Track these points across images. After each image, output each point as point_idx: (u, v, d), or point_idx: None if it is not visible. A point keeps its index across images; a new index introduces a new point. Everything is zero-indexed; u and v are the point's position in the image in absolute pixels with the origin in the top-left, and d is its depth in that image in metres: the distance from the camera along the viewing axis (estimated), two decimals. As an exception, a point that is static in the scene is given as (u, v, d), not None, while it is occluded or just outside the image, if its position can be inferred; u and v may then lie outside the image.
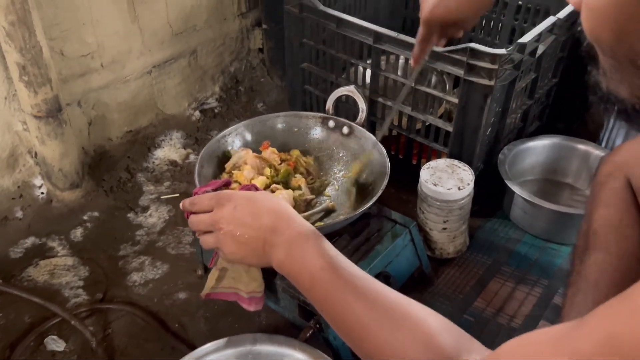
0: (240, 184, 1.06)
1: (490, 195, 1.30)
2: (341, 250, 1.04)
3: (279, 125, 1.19)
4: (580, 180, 1.36)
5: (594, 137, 1.48)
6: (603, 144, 1.40)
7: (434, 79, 1.39)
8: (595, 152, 1.32)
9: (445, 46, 1.08)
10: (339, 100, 1.19)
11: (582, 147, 1.34)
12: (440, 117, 1.26)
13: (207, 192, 0.83)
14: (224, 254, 0.75)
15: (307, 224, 0.72)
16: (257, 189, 0.85)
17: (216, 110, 1.68)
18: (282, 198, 1.01)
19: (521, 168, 1.35)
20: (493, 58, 1.08)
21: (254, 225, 0.71)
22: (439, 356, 0.56)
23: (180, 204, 0.81)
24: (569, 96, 1.48)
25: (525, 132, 1.39)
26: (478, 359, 0.55)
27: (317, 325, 0.97)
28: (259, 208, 0.72)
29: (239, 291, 0.93)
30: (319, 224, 1.03)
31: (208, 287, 0.92)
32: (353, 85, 1.14)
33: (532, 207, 1.22)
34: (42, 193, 1.34)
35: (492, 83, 1.10)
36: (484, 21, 1.53)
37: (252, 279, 0.91)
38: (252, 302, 0.93)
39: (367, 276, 0.67)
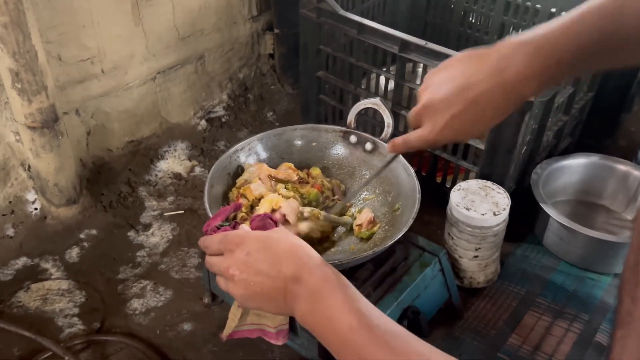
0: (248, 199, 0.96)
1: (521, 218, 1.20)
2: (364, 281, 0.95)
3: (296, 140, 1.09)
4: (616, 202, 1.27)
5: (626, 152, 1.39)
6: (642, 164, 1.30)
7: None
8: (635, 172, 1.22)
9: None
10: (359, 112, 1.09)
11: (621, 167, 1.24)
12: (470, 133, 1.16)
13: (217, 227, 0.74)
14: (238, 302, 0.65)
15: (332, 270, 0.63)
16: (272, 219, 0.75)
17: (223, 120, 1.58)
18: (285, 207, 0.92)
19: (554, 188, 1.26)
20: (534, 71, 0.98)
21: (272, 274, 0.62)
22: None
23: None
24: (602, 111, 1.38)
25: (557, 150, 1.30)
26: None
27: (340, 368, 0.87)
28: (277, 254, 0.63)
29: (264, 327, 0.84)
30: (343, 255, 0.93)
31: (230, 327, 0.82)
32: (378, 98, 1.04)
33: (568, 233, 1.12)
34: (36, 209, 1.24)
35: (532, 99, 1.00)
36: (472, 16, 1.50)
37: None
38: (280, 335, 0.85)
39: (404, 332, 0.58)
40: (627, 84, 1.37)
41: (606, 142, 1.47)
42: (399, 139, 0.85)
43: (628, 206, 1.24)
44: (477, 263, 1.07)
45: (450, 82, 0.71)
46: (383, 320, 0.58)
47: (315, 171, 1.05)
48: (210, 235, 0.71)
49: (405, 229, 0.87)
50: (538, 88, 0.67)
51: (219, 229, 0.74)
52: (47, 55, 1.12)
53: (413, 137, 0.79)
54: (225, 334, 0.83)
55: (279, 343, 0.84)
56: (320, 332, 0.59)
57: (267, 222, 0.76)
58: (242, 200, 0.96)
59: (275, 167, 1.05)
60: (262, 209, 0.92)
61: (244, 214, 0.93)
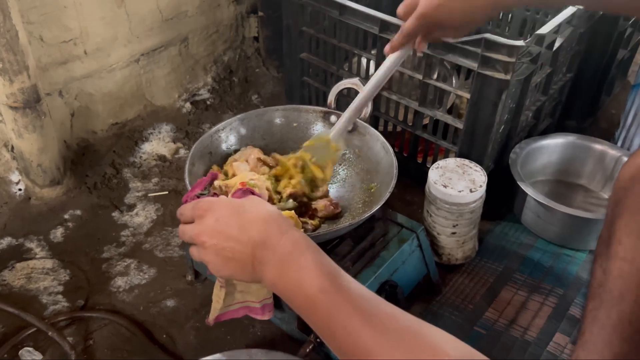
0: (226, 175, 0.97)
1: (500, 197, 1.22)
2: (344, 256, 0.97)
3: (277, 120, 1.10)
4: (594, 182, 1.29)
5: (606, 135, 1.41)
6: (619, 143, 1.33)
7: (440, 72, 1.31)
8: (612, 152, 1.25)
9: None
10: (340, 93, 1.10)
11: (598, 146, 1.26)
12: (449, 112, 1.18)
13: (196, 196, 0.75)
14: (210, 270, 0.66)
15: (302, 235, 0.63)
16: (253, 193, 0.76)
17: (208, 102, 1.58)
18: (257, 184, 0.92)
19: (533, 168, 1.28)
20: (510, 50, 0.99)
21: (241, 238, 0.62)
22: None
23: None
24: (582, 93, 1.40)
25: (537, 130, 1.31)
26: None
27: (318, 340, 0.89)
28: (246, 219, 0.63)
29: (249, 303, 0.85)
30: (321, 227, 0.95)
31: (215, 309, 0.82)
32: (357, 78, 1.05)
33: (545, 211, 1.14)
34: (20, 190, 1.25)
35: (508, 77, 1.02)
36: None
37: (261, 286, 0.82)
38: (266, 310, 0.86)
39: (373, 296, 0.58)
40: (606, 66, 1.39)
41: (587, 124, 1.49)
42: (394, 38, 0.94)
43: (605, 185, 1.27)
44: (455, 240, 1.09)
45: None
46: (353, 284, 0.59)
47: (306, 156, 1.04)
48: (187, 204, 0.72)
49: (382, 202, 0.89)
50: None
51: (198, 197, 0.75)
52: (29, 35, 1.13)
53: (408, 22, 0.90)
54: (211, 318, 0.83)
55: (266, 318, 0.85)
56: (289, 296, 0.60)
57: (247, 195, 0.78)
58: (221, 176, 0.97)
59: (256, 146, 1.06)
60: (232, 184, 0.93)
61: (217, 188, 0.92)
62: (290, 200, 0.97)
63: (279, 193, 0.96)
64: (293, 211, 0.92)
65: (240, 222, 0.63)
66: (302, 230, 0.94)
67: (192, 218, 0.67)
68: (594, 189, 1.29)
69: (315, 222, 0.97)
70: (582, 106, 1.44)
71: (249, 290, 0.84)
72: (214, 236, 0.63)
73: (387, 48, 0.96)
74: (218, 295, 0.81)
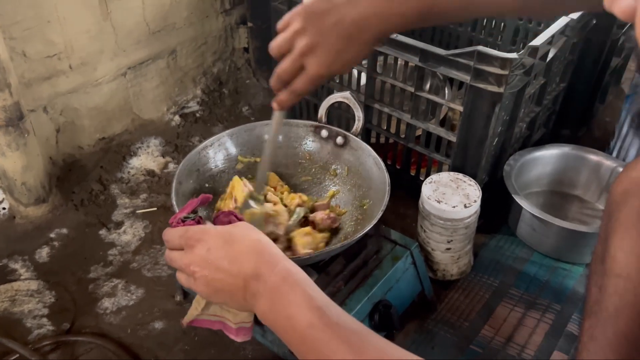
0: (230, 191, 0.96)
1: (494, 210, 1.20)
2: (336, 275, 0.95)
3: (267, 135, 1.07)
4: (589, 193, 1.27)
5: (601, 144, 1.40)
6: (614, 154, 1.31)
7: (432, 84, 1.29)
8: (607, 162, 1.23)
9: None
10: (331, 107, 1.08)
11: (593, 157, 1.24)
12: (442, 125, 1.16)
13: (182, 220, 0.72)
14: (203, 297, 0.64)
15: (292, 266, 0.62)
16: (236, 216, 0.74)
17: (198, 115, 1.56)
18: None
19: (527, 179, 1.26)
20: (503, 62, 0.98)
21: (232, 270, 0.61)
22: None
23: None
24: (576, 102, 1.38)
25: (530, 141, 1.30)
26: None
27: (311, 364, 0.86)
28: (237, 250, 0.62)
29: (226, 320, 0.83)
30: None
31: (192, 314, 0.80)
32: (348, 92, 1.03)
33: (541, 224, 1.13)
34: (4, 209, 1.22)
35: (501, 90, 1.00)
36: (485, 20, 1.43)
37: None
38: (240, 332, 0.83)
39: (364, 329, 0.57)
40: (599, 74, 1.37)
41: (581, 132, 1.48)
42: (282, 94, 0.82)
43: (601, 196, 1.25)
44: (449, 255, 1.07)
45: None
46: (343, 318, 0.57)
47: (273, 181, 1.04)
48: (172, 228, 0.70)
49: (374, 221, 0.87)
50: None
51: (184, 221, 0.73)
52: (11, 51, 1.10)
53: (299, 83, 0.79)
54: (186, 320, 0.81)
55: (239, 340, 0.83)
56: (280, 329, 0.58)
57: (231, 218, 0.75)
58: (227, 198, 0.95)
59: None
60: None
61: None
62: (299, 208, 0.96)
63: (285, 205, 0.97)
64: (309, 227, 0.93)
65: (232, 254, 0.62)
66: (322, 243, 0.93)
67: (181, 246, 0.65)
68: (590, 199, 1.28)
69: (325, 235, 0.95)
70: (576, 115, 1.42)
71: (229, 310, 0.82)
72: (204, 267, 0.62)
73: (275, 105, 0.84)
74: (198, 302, 0.80)
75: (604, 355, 0.80)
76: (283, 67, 0.77)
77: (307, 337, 0.55)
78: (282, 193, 1.02)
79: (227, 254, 0.62)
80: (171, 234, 0.68)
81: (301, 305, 0.57)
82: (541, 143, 1.30)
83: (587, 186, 1.27)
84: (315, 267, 1.00)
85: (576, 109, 1.40)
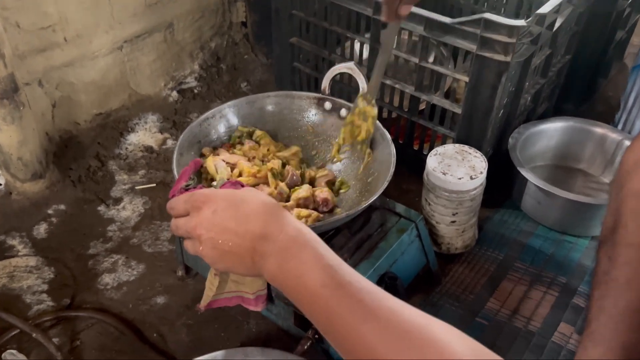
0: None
1: (499, 183, 1.19)
2: (341, 248, 0.93)
3: (269, 107, 1.05)
4: (594, 166, 1.26)
5: (604, 118, 1.38)
6: (620, 127, 1.30)
7: (437, 55, 1.26)
8: (612, 135, 1.22)
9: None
10: (334, 79, 1.05)
11: (599, 130, 1.23)
12: (447, 97, 1.14)
13: (184, 188, 0.70)
14: (209, 263, 0.63)
15: (302, 226, 0.60)
16: (242, 186, 0.72)
17: (195, 91, 1.53)
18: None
19: (531, 153, 1.24)
20: (511, 30, 0.96)
21: (239, 231, 0.59)
22: None
23: None
24: (580, 76, 1.36)
25: (535, 114, 1.28)
26: None
27: (316, 336, 0.85)
28: (244, 211, 0.60)
29: (243, 294, 0.82)
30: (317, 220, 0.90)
31: (208, 296, 0.79)
32: (352, 62, 1.01)
33: (546, 197, 1.11)
34: (0, 185, 1.19)
35: (508, 59, 0.98)
36: None
37: (256, 277, 0.79)
38: (259, 301, 0.83)
39: (377, 289, 0.55)
40: (603, 49, 1.35)
41: (584, 107, 1.46)
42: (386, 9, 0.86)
43: (605, 169, 1.24)
44: (454, 228, 1.06)
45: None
46: (355, 277, 0.55)
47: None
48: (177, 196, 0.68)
49: (379, 192, 0.85)
50: None
51: (186, 190, 0.71)
52: (4, 22, 1.07)
53: None
54: (202, 304, 0.80)
55: (259, 309, 0.82)
56: (290, 290, 0.57)
57: (238, 188, 0.74)
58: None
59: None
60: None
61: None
62: (306, 185, 0.95)
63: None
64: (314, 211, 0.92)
65: (239, 215, 0.60)
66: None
67: (186, 211, 0.63)
68: (594, 173, 1.26)
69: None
70: (579, 89, 1.41)
71: (243, 282, 0.81)
72: (211, 229, 0.60)
73: (384, 17, 0.89)
74: (212, 283, 0.79)
75: (614, 326, 0.78)
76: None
77: (318, 296, 0.54)
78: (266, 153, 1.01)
79: (235, 215, 0.60)
80: (176, 201, 0.66)
81: (312, 264, 0.55)
82: (544, 117, 1.28)
83: (592, 159, 1.26)
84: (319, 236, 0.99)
85: (580, 82, 1.39)
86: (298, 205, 0.93)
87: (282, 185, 0.94)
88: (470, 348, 0.50)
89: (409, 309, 0.53)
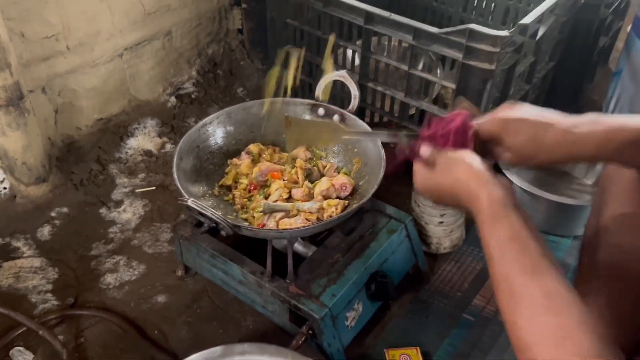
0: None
1: (486, 185, 1.24)
2: (334, 248, 0.98)
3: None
4: (577, 169, 1.31)
5: (589, 122, 1.43)
6: (602, 131, 1.34)
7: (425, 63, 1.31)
8: (595, 139, 1.26)
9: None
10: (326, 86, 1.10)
11: (581, 133, 1.28)
12: (435, 103, 1.18)
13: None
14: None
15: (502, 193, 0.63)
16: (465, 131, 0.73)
17: (193, 96, 1.57)
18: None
19: (517, 156, 1.29)
20: (494, 40, 1.00)
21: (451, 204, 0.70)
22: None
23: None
24: (565, 81, 1.41)
25: (521, 119, 1.33)
26: None
27: (310, 332, 0.90)
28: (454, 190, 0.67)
29: None
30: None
31: None
32: (345, 70, 1.06)
33: (531, 198, 1.16)
34: (5, 188, 1.23)
35: (492, 67, 1.03)
36: (475, 0, 1.45)
37: None
38: None
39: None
40: (588, 54, 1.40)
41: (570, 111, 1.51)
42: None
43: (588, 172, 1.29)
44: (442, 229, 1.11)
45: None
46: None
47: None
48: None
49: (370, 194, 0.90)
50: None
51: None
52: (9, 32, 1.11)
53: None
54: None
55: None
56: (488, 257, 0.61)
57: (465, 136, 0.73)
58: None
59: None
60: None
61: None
62: (324, 178, 1.01)
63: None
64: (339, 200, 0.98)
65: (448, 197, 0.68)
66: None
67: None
68: (578, 175, 1.31)
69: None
70: (564, 94, 1.45)
71: None
72: (432, 195, 0.71)
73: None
74: None
75: (594, 323, 0.83)
76: None
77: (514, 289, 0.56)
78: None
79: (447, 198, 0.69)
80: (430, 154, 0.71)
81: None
82: (531, 121, 1.33)
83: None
84: (313, 240, 1.03)
85: (565, 87, 1.43)
86: (323, 197, 0.98)
87: (307, 182, 1.00)
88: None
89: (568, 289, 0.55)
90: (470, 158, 0.68)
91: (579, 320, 0.53)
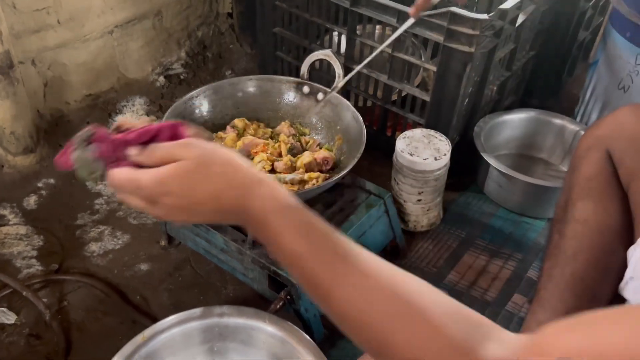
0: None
1: (464, 168, 1.27)
2: (313, 220, 1.01)
3: (250, 89, 1.12)
4: (554, 156, 1.35)
5: (567, 113, 1.47)
6: (578, 119, 1.39)
7: (408, 47, 1.35)
8: (571, 126, 1.31)
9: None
10: (312, 66, 1.13)
11: (558, 121, 1.32)
12: (418, 86, 1.22)
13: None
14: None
15: (273, 190, 0.56)
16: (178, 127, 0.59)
17: (182, 77, 1.60)
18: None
19: (496, 142, 1.33)
20: (474, 23, 1.04)
21: (215, 208, 0.55)
22: (448, 354, 0.45)
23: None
24: (545, 72, 1.45)
25: (501, 106, 1.37)
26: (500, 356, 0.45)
27: (288, 297, 0.93)
28: (209, 191, 0.54)
29: None
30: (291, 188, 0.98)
31: None
32: (330, 49, 1.09)
33: (507, 181, 1.20)
34: (-8, 157, 1.25)
35: (472, 50, 1.06)
36: None
37: None
38: None
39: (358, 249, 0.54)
40: (568, 46, 1.44)
41: (550, 102, 1.55)
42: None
43: (564, 158, 1.33)
44: (420, 207, 1.14)
45: None
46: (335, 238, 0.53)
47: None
48: (116, 178, 0.56)
49: (350, 166, 0.93)
50: None
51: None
52: (1, 2, 1.12)
53: None
54: None
55: None
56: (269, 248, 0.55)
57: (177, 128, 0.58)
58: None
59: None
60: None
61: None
62: (306, 152, 1.04)
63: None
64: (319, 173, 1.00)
65: (206, 194, 0.54)
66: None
67: (141, 200, 0.55)
68: (554, 162, 1.35)
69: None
70: (544, 85, 1.49)
71: None
72: (181, 215, 0.56)
73: (412, 10, 1.04)
74: None
75: (561, 293, 0.87)
76: None
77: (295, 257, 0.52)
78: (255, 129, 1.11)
79: (203, 195, 0.54)
80: (121, 187, 0.57)
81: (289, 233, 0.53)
82: (511, 109, 1.37)
83: (552, 149, 1.35)
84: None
85: (545, 78, 1.48)
86: (305, 170, 1.01)
87: (289, 156, 1.03)
88: (447, 309, 0.50)
89: (388, 267, 0.53)
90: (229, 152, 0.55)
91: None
